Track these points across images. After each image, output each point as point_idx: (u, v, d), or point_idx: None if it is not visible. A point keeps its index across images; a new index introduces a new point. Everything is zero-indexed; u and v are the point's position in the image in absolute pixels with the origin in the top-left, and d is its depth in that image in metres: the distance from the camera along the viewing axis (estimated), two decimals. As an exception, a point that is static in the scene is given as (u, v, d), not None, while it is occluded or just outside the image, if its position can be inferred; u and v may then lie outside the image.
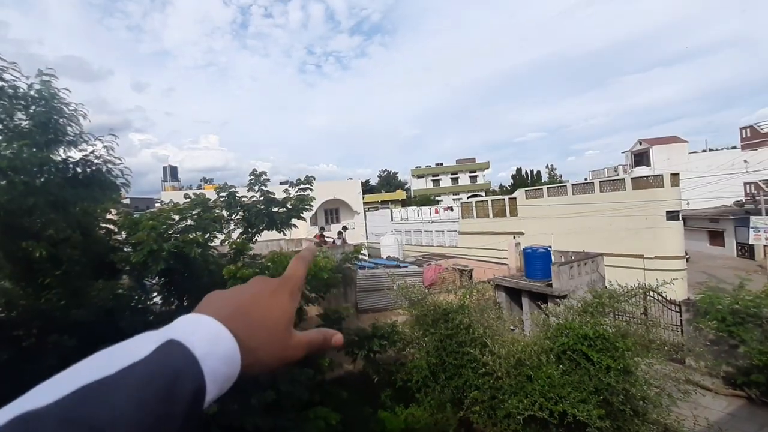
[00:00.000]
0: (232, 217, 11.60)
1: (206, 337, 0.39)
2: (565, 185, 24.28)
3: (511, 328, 9.95)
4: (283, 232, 12.29)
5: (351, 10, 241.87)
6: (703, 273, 21.85)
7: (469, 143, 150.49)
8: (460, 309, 8.39)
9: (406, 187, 70.62)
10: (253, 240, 11.38)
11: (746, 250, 26.40)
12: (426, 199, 54.86)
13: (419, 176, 66.21)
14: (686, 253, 20.07)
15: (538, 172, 65.77)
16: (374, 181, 77.86)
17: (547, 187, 25.27)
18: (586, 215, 20.99)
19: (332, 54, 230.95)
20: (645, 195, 19.27)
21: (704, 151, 44.35)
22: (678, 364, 9.84)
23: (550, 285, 13.42)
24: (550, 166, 66.35)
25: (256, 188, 11.65)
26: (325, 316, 10.18)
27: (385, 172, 79.05)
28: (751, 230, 23.24)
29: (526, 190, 26.36)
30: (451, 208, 34.30)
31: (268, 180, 11.90)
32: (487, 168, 65.64)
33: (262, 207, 11.49)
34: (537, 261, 14.47)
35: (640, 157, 42.55)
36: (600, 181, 22.29)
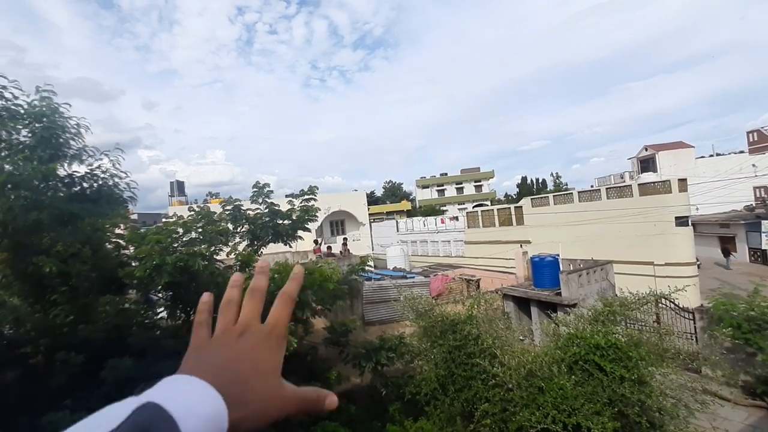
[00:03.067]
0: (238, 230, 11.64)
1: (188, 396, 0.38)
2: (572, 193, 24.14)
3: (521, 338, 9.79)
4: (289, 244, 12.31)
5: (354, 24, 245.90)
6: (715, 279, 21.44)
7: (474, 153, 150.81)
8: (468, 320, 8.28)
9: (411, 197, 70.69)
10: (259, 252, 11.39)
11: (759, 255, 25.94)
12: (431, 210, 54.80)
13: (424, 186, 66.27)
14: (697, 260, 19.77)
15: (544, 181, 65.64)
16: (379, 193, 78.07)
17: (553, 195, 25.12)
18: (594, 223, 20.81)
19: (336, 68, 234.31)
20: (653, 201, 19.09)
21: (711, 156, 44.00)
22: (694, 373, 9.60)
23: (559, 294, 13.25)
24: (555, 174, 66.19)
25: (260, 200, 11.70)
26: (331, 329, 10.10)
27: (390, 183, 79.27)
28: (764, 235, 22.88)
29: (532, 199, 26.23)
30: (457, 218, 34.20)
31: (272, 192, 11.96)
32: (492, 177, 65.60)
33: (267, 219, 11.54)
34: (545, 270, 14.33)
35: (647, 164, 42.29)
36: (607, 188, 22.14)
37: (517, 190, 65.53)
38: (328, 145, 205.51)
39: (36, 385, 6.97)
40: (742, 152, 41.73)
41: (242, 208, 11.54)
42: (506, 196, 67.65)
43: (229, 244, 10.52)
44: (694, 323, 12.01)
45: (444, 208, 57.33)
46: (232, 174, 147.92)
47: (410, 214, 55.25)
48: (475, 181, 64.54)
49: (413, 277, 18.44)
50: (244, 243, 11.49)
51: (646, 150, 43.46)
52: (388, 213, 58.03)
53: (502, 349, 7.47)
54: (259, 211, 11.61)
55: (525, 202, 26.41)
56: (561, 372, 6.75)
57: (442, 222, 35.14)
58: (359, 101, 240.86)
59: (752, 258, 26.64)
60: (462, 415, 7.77)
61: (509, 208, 27.84)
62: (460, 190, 64.60)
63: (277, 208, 11.58)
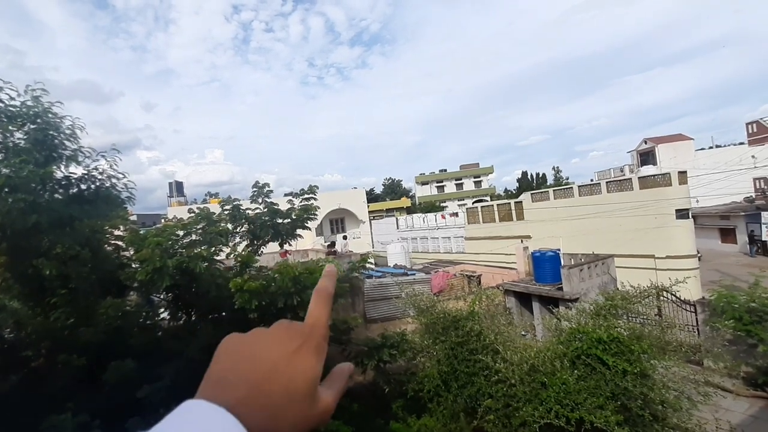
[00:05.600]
0: (237, 230, 11.63)
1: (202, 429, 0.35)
2: (572, 187, 24.13)
3: (522, 333, 9.81)
4: (289, 243, 12.30)
5: (350, 21, 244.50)
6: (716, 271, 21.49)
7: (473, 148, 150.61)
8: (470, 316, 8.30)
9: (410, 194, 70.67)
10: (259, 252, 11.39)
11: (759, 247, 26.00)
12: (431, 206, 54.78)
13: (423, 183, 66.22)
14: (698, 252, 19.80)
15: (544, 175, 65.62)
16: (379, 190, 78.04)
17: (554, 190, 25.11)
18: (594, 217, 20.81)
19: (333, 66, 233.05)
20: (653, 194, 19.10)
21: (711, 147, 44.01)
22: (696, 365, 9.63)
23: (561, 288, 13.27)
24: (556, 168, 66.18)
25: (260, 200, 11.68)
26: (332, 327, 10.11)
27: (390, 180, 79.26)
28: (764, 226, 22.91)
29: (532, 194, 26.22)
30: (457, 214, 34.20)
31: (272, 191, 11.94)
32: (492, 172, 65.55)
33: (266, 219, 11.51)
34: (546, 264, 14.35)
35: (646, 157, 42.30)
36: (607, 182, 22.14)
37: (517, 185, 65.50)
38: (326, 142, 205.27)
39: (38, 388, 6.98)
40: (741, 144, 41.75)
41: (242, 207, 11.52)
42: (506, 191, 67.66)
43: (229, 244, 10.51)
44: (696, 315, 12.04)
45: (444, 205, 57.31)
46: (231, 173, 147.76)
47: (410, 210, 55.24)
48: (475, 177, 64.50)
49: (414, 274, 18.46)
50: (244, 243, 11.49)
51: (646, 143, 43.45)
52: (388, 210, 58.03)
53: (505, 344, 7.48)
54: (258, 210, 11.59)
55: (525, 197, 26.41)
56: (564, 367, 6.77)
57: (442, 218, 35.15)
58: (357, 98, 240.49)
59: (751, 250, 26.67)
60: (465, 412, 7.80)
61: (509, 203, 27.84)
62: (459, 186, 64.56)
63: (276, 207, 11.56)
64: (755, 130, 37.98)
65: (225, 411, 0.36)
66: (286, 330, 0.45)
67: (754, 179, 32.30)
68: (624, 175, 36.42)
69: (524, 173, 66.66)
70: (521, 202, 26.34)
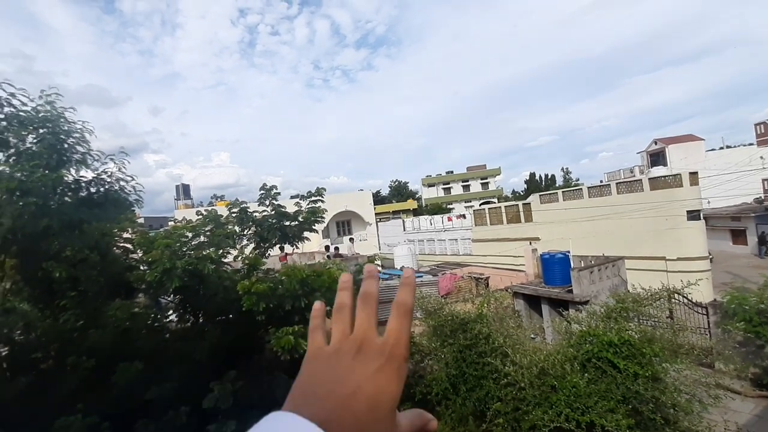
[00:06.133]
0: (245, 233, 11.70)
1: None
2: (581, 188, 23.95)
3: (532, 336, 9.73)
4: (296, 246, 12.35)
5: (356, 23, 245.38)
6: (727, 273, 21.18)
7: (480, 150, 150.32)
8: (478, 318, 8.25)
9: (417, 196, 70.59)
10: (266, 254, 11.43)
11: (767, 249, 25.59)
12: (438, 208, 54.69)
13: (430, 185, 66.15)
14: (709, 253, 19.53)
15: (552, 176, 65.24)
16: (385, 192, 78.08)
17: (563, 191, 24.94)
18: (604, 218, 20.63)
19: (338, 68, 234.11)
20: (664, 195, 18.89)
21: (721, 148, 43.45)
22: (707, 368, 9.50)
23: (571, 291, 13.14)
24: (565, 170, 65.75)
25: (267, 202, 11.73)
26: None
27: (396, 182, 79.23)
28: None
29: (540, 195, 26.06)
30: (464, 216, 34.10)
31: (279, 194, 12.00)
32: (499, 174, 65.29)
33: (273, 221, 11.56)
34: (555, 267, 14.22)
35: (657, 157, 41.86)
36: (617, 183, 21.95)
37: (525, 186, 65.19)
38: (332, 145, 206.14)
39: (47, 389, 7.05)
40: (751, 144, 41.12)
41: (249, 210, 11.58)
42: (514, 192, 67.42)
43: (237, 247, 10.56)
44: (708, 318, 11.86)
45: (451, 207, 57.19)
46: (237, 176, 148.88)
47: (416, 213, 55.19)
48: (482, 179, 64.28)
49: (421, 276, 18.40)
50: (251, 246, 11.54)
51: (656, 144, 43.02)
52: (395, 212, 58.03)
53: (514, 347, 7.42)
54: (265, 213, 11.64)
55: (533, 198, 26.26)
56: (574, 370, 6.70)
57: (449, 220, 35.06)
58: (363, 101, 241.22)
59: (761, 251, 26.25)
60: (474, 415, 7.74)
61: (517, 205, 27.69)
62: (466, 187, 64.39)
63: (283, 210, 11.61)
64: (763, 131, 37.30)
65: (315, 426, 0.36)
66: (369, 348, 0.44)
67: (763, 180, 31.80)
68: (634, 176, 36.09)
69: (532, 175, 66.38)
70: (529, 203, 26.20)
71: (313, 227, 12.00)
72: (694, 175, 18.84)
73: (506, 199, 57.98)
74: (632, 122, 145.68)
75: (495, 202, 44.03)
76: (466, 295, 13.29)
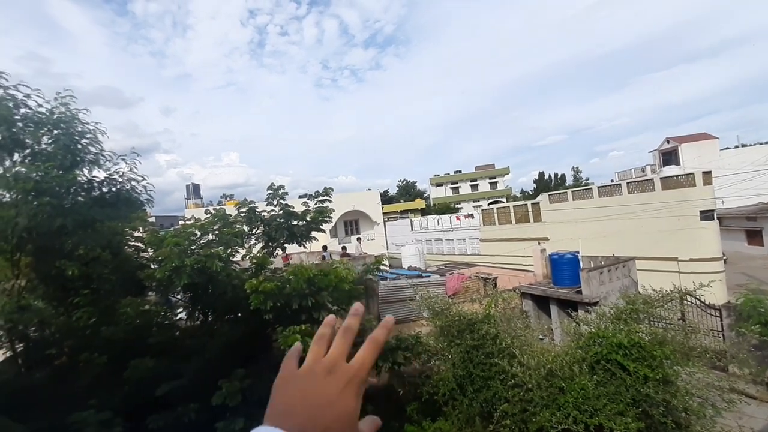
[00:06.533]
0: (253, 232, 11.81)
1: None
2: (591, 188, 23.70)
3: (540, 337, 9.68)
4: (304, 245, 12.43)
5: (364, 23, 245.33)
6: (742, 274, 20.80)
7: (488, 149, 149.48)
8: (485, 319, 8.23)
9: (425, 195, 70.48)
10: (274, 254, 11.52)
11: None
12: (445, 208, 54.54)
13: (438, 184, 65.99)
14: (723, 254, 19.19)
15: (563, 176, 64.65)
16: (393, 191, 78.07)
17: (572, 191, 24.71)
18: (615, 218, 20.40)
19: (347, 68, 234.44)
20: (676, 195, 18.62)
21: (736, 147, 42.65)
22: (721, 372, 9.34)
23: (580, 292, 13.03)
24: (575, 169, 65.09)
25: (275, 202, 11.82)
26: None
27: (404, 182, 79.18)
28: (794, 228, 22.06)
29: (549, 195, 25.85)
30: (472, 216, 33.97)
31: (287, 193, 12.08)
32: (507, 173, 64.88)
33: (281, 221, 11.65)
34: (564, 267, 14.11)
35: (669, 156, 41.20)
36: (628, 183, 21.68)
37: (534, 186, 64.69)
38: (341, 144, 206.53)
39: (62, 385, 7.20)
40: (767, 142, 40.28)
41: (257, 209, 11.68)
42: (522, 192, 66.94)
43: (245, 246, 10.67)
44: (721, 320, 11.68)
45: (459, 206, 57.00)
46: (246, 175, 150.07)
47: (424, 212, 55.09)
48: (490, 178, 63.94)
49: (429, 276, 18.40)
50: (259, 245, 11.65)
51: (668, 142, 42.33)
52: (402, 212, 58.00)
53: (521, 348, 7.39)
54: (274, 212, 11.74)
55: (542, 198, 26.06)
56: (582, 372, 6.64)
57: (457, 220, 34.95)
58: (371, 100, 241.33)
59: (783, 252, 25.75)
60: (481, 416, 7.72)
61: (526, 204, 27.50)
62: (474, 187, 64.10)
63: (291, 209, 11.69)
64: (785, 128, 36.62)
65: None
66: (334, 372, 0.52)
67: (785, 179, 31.13)
68: (645, 175, 35.58)
69: (541, 174, 65.86)
70: (538, 203, 26.01)
71: (321, 227, 12.07)
72: (707, 174, 18.53)
73: (515, 198, 57.59)
74: (644, 121, 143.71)
75: (503, 202, 43.77)
76: (473, 296, 13.24)
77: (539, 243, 21.37)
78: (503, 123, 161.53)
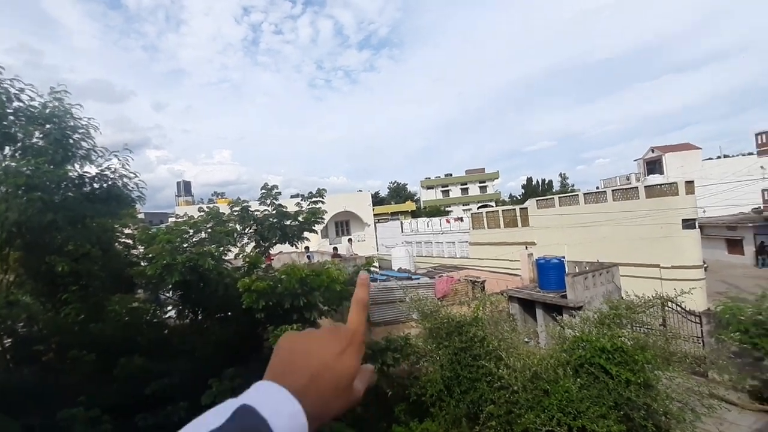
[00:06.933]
0: (246, 231, 11.75)
1: (277, 403, 0.44)
2: (577, 194, 24.03)
3: (526, 340, 9.79)
4: (296, 245, 12.41)
5: (359, 24, 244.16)
6: (722, 282, 21.26)
7: (479, 154, 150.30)
8: (473, 321, 8.31)
9: (415, 198, 70.71)
10: (267, 254, 11.48)
11: (766, 259, 25.69)
12: (436, 210, 54.80)
13: (429, 187, 66.28)
14: (704, 262, 19.60)
15: (550, 182, 65.42)
16: (384, 193, 78.18)
17: (559, 197, 25.04)
18: (600, 225, 20.71)
19: (341, 69, 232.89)
20: (659, 203, 18.97)
21: (719, 157, 43.62)
22: (701, 377, 9.55)
23: (565, 296, 13.22)
24: (562, 175, 65.97)
25: (268, 202, 11.79)
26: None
27: (395, 184, 79.36)
28: (772, 238, 22.64)
29: (537, 200, 26.15)
30: (462, 219, 34.18)
31: (280, 193, 12.06)
32: (497, 178, 65.49)
33: (274, 220, 11.62)
34: (551, 272, 14.31)
35: (653, 165, 42.00)
36: (613, 190, 22.02)
37: (522, 191, 65.31)
38: (333, 144, 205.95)
39: (50, 381, 7.09)
40: (750, 154, 41.24)
41: (250, 209, 11.64)
42: (511, 197, 67.49)
43: (237, 244, 10.62)
44: (701, 327, 11.93)
45: (449, 209, 57.30)
46: (238, 173, 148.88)
47: (415, 214, 55.27)
48: (480, 182, 64.47)
49: (418, 279, 18.47)
50: (252, 244, 11.60)
51: (653, 151, 43.18)
52: (393, 213, 58.12)
53: (508, 351, 7.48)
54: (267, 212, 11.70)
55: (530, 203, 26.34)
56: (566, 375, 6.76)
57: (447, 223, 35.13)
58: (364, 101, 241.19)
59: (757, 261, 26.39)
60: (467, 417, 7.80)
61: (514, 209, 27.78)
62: (464, 190, 64.56)
63: (284, 209, 11.66)
64: (765, 140, 37.39)
65: (290, 394, 0.45)
66: (335, 334, 0.54)
67: (763, 190, 31.90)
68: (630, 183, 36.19)
69: (529, 179, 66.48)
70: (526, 208, 26.28)
71: (313, 227, 12.07)
72: (690, 183, 18.93)
73: (504, 203, 58.10)
74: (630, 129, 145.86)
75: (493, 206, 44.14)
76: (462, 298, 13.35)
77: (527, 247, 21.62)
78: (494, 128, 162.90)
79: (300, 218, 11.71)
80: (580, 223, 21.58)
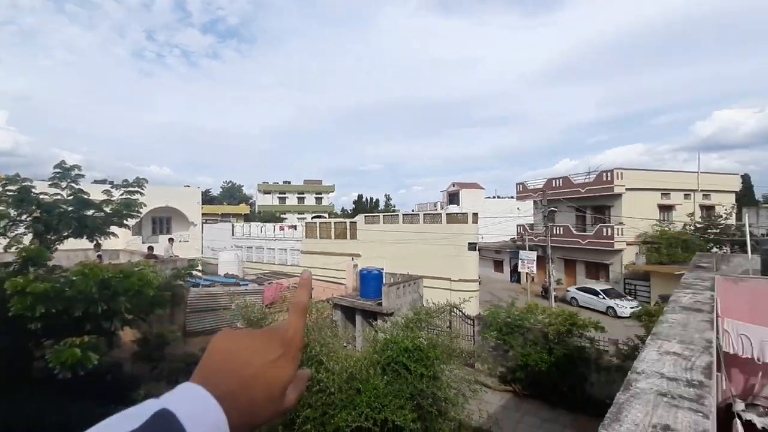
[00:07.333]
0: (22, 218, 9.03)
1: (197, 409, 0.40)
2: (398, 215, 27.02)
3: (345, 345, 10.31)
4: (97, 241, 10.18)
5: (205, 5, 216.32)
6: (489, 293, 26.97)
7: (318, 166, 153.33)
8: (299, 328, 8.30)
9: (250, 201, 66.89)
10: (53, 248, 9.02)
11: (517, 276, 33.88)
12: (271, 216, 52.95)
13: (266, 192, 63.70)
14: (479, 277, 24.51)
15: (377, 200, 71.18)
16: (216, 192, 71.33)
17: (383, 215, 27.68)
18: (413, 242, 23.68)
19: (178, 46, 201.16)
20: (455, 228, 23.00)
21: (494, 197, 55.71)
22: (470, 368, 11.84)
23: (381, 304, 14.53)
24: (387, 196, 72.72)
25: (64, 184, 9.39)
26: (143, 341, 8.69)
27: (230, 184, 73.51)
28: (520, 261, 30.00)
29: (365, 216, 28.22)
30: (296, 227, 33.98)
31: (82, 176, 9.76)
32: (332, 191, 67.76)
33: (69, 208, 9.29)
34: (371, 281, 15.53)
35: (454, 197, 50.72)
36: (424, 214, 25.64)
37: (354, 206, 69.26)
38: (159, 129, 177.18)
39: None
40: (512, 197, 54.03)
41: (33, 190, 8.98)
42: (343, 210, 70.66)
43: (8, 234, 8.07)
44: (473, 327, 14.83)
45: (284, 216, 56.17)
46: (15, 142, 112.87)
47: (248, 218, 52.14)
48: (317, 193, 65.56)
49: (246, 285, 17.40)
50: (29, 235, 8.95)
51: (454, 186, 52.16)
52: (224, 215, 53.50)
53: (329, 355, 7.73)
54: (59, 197, 9.26)
55: (359, 218, 28.21)
56: (376, 373, 7.39)
57: (281, 230, 34.38)
58: (203, 89, 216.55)
59: (512, 278, 34.58)
60: (284, 424, 7.65)
61: (345, 222, 29.25)
62: (301, 200, 64.50)
63: (86, 197, 9.44)
64: (521, 189, 49.75)
65: (216, 401, 0.41)
66: (272, 338, 0.49)
67: (518, 225, 42.16)
68: (437, 210, 42.71)
69: (360, 196, 70.99)
70: (355, 222, 28.01)
71: (125, 222, 10.13)
72: (475, 215, 23.60)
73: (336, 215, 60.40)
74: (441, 165, 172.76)
75: (326, 218, 45.37)
76: (290, 306, 13.18)
77: (353, 258, 22.99)
78: (334, 144, 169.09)
79: (108, 209, 9.68)
80: (398, 240, 24.20)
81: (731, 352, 4.84)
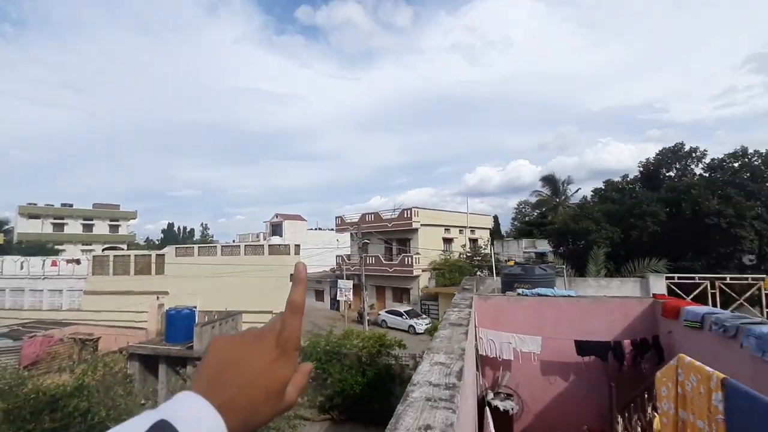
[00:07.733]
0: None
1: (198, 424, 0.39)
2: (216, 246, 24.79)
3: (142, 402, 8.67)
4: None
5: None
6: (311, 323, 27.20)
7: (114, 188, 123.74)
8: (75, 391, 6.63)
9: (5, 227, 49.14)
10: None
11: (337, 304, 35.39)
12: (40, 247, 40.15)
13: (33, 216, 48.02)
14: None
15: (192, 230, 63.30)
16: (-60, 214, 49.53)
17: (199, 247, 24.88)
18: (233, 275, 22.00)
19: None
20: (277, 260, 22.63)
21: (316, 229, 57.46)
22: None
23: (192, 347, 12.84)
24: (204, 225, 65.45)
25: None
26: None
27: (-32, 204, 52.31)
28: (339, 290, 31.59)
29: (177, 247, 24.76)
30: (79, 261, 26.80)
31: None
32: (134, 218, 56.55)
33: None
34: (180, 323, 13.64)
35: (277, 228, 49.76)
36: (245, 245, 24.33)
37: (162, 236, 59.49)
38: None
39: None
40: (332, 230, 56.92)
41: None
42: (148, 240, 59.78)
43: None
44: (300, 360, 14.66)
45: (61, 248, 43.47)
46: None
47: (2, 250, 38.04)
48: (112, 220, 53.40)
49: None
50: None
51: (276, 217, 51.39)
52: (-46, 246, 37.54)
53: (119, 420, 6.40)
54: None
55: (169, 250, 24.55)
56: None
57: (54, 265, 26.47)
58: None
59: (332, 306, 35.97)
60: None
61: (150, 254, 24.89)
62: (88, 227, 51.26)
63: None
64: (340, 222, 53.10)
65: (212, 408, 0.41)
66: (267, 340, 0.48)
67: (337, 256, 44.40)
68: (259, 241, 41.03)
69: (170, 225, 61.88)
70: (164, 255, 24.22)
71: None
72: (297, 246, 23.92)
73: (138, 246, 50.56)
74: (263, 195, 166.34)
75: (124, 249, 37.46)
76: (63, 363, 10.19)
77: (158, 297, 19.60)
78: (136, 163, 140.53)
79: None
80: (216, 273, 22.08)
81: (484, 354, 6.48)
